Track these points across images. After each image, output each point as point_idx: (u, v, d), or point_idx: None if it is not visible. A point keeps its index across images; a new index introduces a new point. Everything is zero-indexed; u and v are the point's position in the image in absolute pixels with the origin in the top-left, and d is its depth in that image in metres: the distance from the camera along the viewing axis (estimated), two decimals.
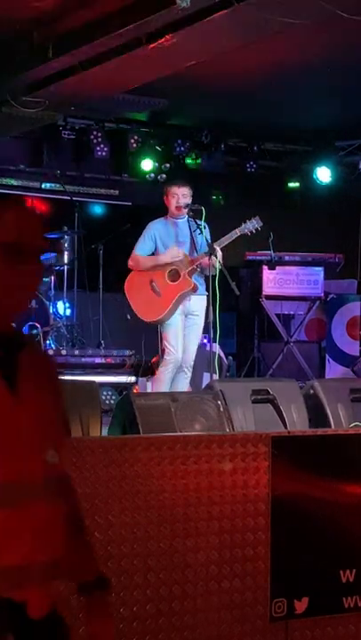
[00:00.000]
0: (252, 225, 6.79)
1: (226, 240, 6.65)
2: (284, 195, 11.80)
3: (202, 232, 6.65)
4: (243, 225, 6.78)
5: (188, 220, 6.77)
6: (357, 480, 3.70)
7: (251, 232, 6.84)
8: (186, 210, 6.69)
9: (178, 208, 6.71)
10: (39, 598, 1.90)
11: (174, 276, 6.68)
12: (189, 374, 6.79)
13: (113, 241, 8.94)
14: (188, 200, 6.73)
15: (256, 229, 6.84)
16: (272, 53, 7.98)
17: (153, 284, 6.69)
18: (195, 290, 6.64)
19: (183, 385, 6.70)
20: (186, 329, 6.73)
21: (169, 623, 3.25)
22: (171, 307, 6.62)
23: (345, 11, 6.06)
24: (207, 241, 6.59)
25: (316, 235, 11.08)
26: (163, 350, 6.74)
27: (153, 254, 6.80)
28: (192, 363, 6.79)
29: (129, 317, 7.36)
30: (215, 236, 6.71)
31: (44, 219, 10.73)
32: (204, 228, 6.64)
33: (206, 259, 6.51)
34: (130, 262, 6.82)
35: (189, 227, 6.76)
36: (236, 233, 6.74)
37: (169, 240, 6.75)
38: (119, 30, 6.63)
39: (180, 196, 6.73)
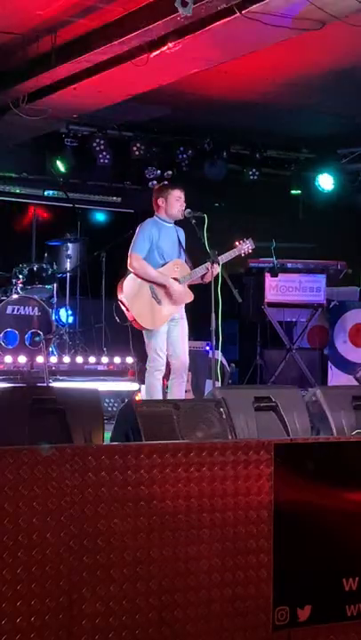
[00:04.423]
0: (246, 246, 6.92)
1: (222, 260, 6.67)
2: (286, 202, 11.82)
3: (182, 244, 6.76)
4: (238, 246, 6.89)
5: (174, 227, 6.83)
6: (360, 488, 3.69)
7: (245, 253, 6.96)
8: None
9: (181, 212, 6.73)
10: None
11: None
12: (185, 378, 6.79)
13: (115, 248, 8.92)
14: None
15: (249, 251, 6.96)
16: (274, 61, 8.00)
17: (154, 292, 6.66)
18: (191, 300, 6.70)
19: (179, 391, 6.69)
20: (172, 335, 6.70)
21: (171, 631, 3.24)
22: (170, 316, 6.64)
23: (348, 19, 6.08)
24: (208, 249, 6.59)
25: (318, 242, 11.09)
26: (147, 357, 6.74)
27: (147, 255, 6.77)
28: (187, 366, 6.79)
29: (118, 320, 7.33)
30: (217, 244, 6.72)
31: (46, 226, 10.78)
32: (200, 238, 6.64)
33: (206, 271, 6.55)
34: (134, 264, 6.62)
35: (177, 233, 6.81)
36: (233, 254, 6.81)
37: (164, 243, 6.74)
38: (121, 38, 6.66)
39: (183, 199, 6.77)
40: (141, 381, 8.31)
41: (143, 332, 6.71)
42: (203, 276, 6.69)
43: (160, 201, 6.78)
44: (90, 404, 4.18)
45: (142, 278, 6.65)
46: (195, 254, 6.88)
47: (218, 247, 6.66)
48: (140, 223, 6.91)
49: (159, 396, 6.60)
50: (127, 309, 6.67)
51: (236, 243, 6.91)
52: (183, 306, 6.79)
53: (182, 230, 6.89)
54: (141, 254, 6.67)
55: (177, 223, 6.88)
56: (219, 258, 6.61)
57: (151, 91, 8.04)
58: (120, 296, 6.72)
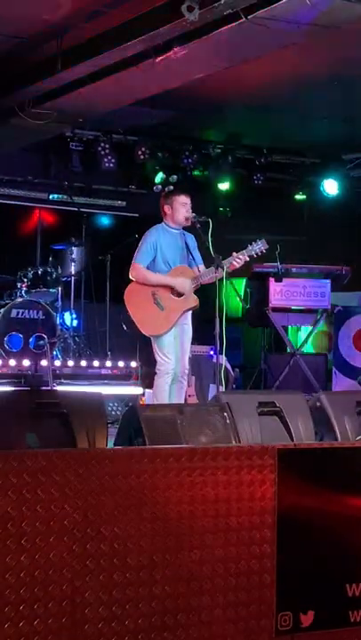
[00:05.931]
0: (258, 247, 6.70)
1: (238, 263, 6.61)
2: (291, 207, 11.82)
3: (191, 249, 6.70)
4: (249, 247, 6.67)
5: (182, 234, 6.80)
6: None
7: (257, 254, 6.75)
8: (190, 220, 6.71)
9: (187, 218, 6.72)
10: None
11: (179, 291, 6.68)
12: (185, 383, 6.80)
13: (120, 252, 8.94)
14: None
15: (262, 251, 6.75)
16: (279, 66, 8.00)
17: (156, 298, 6.65)
18: (198, 306, 6.67)
19: (180, 395, 6.69)
20: (178, 340, 6.70)
21: (174, 636, 3.23)
22: (175, 322, 6.62)
23: (354, 24, 6.09)
24: (212, 254, 6.58)
25: (322, 247, 11.08)
26: (155, 361, 6.72)
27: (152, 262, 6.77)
28: (187, 372, 6.80)
29: (125, 328, 7.34)
30: (221, 248, 6.70)
31: (51, 230, 10.80)
32: (205, 243, 6.61)
33: (211, 276, 6.53)
34: (132, 273, 6.71)
35: (185, 239, 6.79)
36: (246, 254, 6.62)
37: (169, 250, 6.74)
38: (127, 43, 6.67)
39: (189, 204, 6.75)
40: (145, 385, 8.32)
41: (151, 337, 6.72)
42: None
43: (166, 208, 6.79)
44: (93, 408, 4.18)
45: (144, 285, 6.67)
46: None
47: (222, 252, 6.64)
48: (144, 227, 6.92)
49: (166, 399, 6.61)
50: (132, 317, 6.71)
51: (248, 246, 6.71)
52: (190, 313, 6.78)
53: (193, 236, 6.84)
54: (143, 264, 6.70)
55: (185, 228, 6.86)
56: (233, 257, 6.57)
57: (157, 95, 8.05)
58: (126, 304, 6.77)
